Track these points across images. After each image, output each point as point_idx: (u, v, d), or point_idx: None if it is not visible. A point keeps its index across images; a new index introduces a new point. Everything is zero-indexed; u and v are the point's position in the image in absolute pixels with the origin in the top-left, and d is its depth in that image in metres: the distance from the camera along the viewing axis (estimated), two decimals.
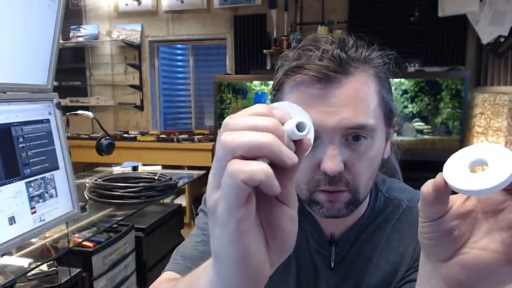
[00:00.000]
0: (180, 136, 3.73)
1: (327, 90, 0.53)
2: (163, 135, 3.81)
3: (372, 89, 0.56)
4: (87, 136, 3.79)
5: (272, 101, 0.63)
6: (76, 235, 1.34)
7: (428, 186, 0.34)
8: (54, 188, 1.12)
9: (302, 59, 0.55)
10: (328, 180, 0.54)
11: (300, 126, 0.30)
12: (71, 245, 1.25)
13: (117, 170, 2.08)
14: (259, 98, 3.27)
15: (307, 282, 0.67)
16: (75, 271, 1.42)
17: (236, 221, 0.28)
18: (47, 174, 1.09)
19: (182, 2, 3.85)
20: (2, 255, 1.08)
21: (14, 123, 1.01)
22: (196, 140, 3.64)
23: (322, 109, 0.53)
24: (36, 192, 1.05)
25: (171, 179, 1.72)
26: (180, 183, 1.90)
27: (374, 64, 0.57)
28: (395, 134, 0.68)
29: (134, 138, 3.81)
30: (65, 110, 1.24)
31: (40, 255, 1.18)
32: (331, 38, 0.57)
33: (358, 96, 0.54)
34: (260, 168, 0.27)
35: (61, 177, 1.15)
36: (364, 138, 0.55)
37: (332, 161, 0.52)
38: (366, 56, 0.56)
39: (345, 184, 0.55)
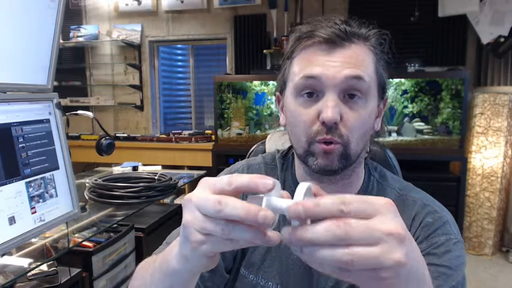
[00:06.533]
0: (179, 136, 3.72)
1: (332, 50, 0.62)
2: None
3: (369, 58, 0.64)
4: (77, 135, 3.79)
5: (283, 70, 0.69)
6: (76, 235, 1.34)
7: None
8: (54, 188, 1.12)
9: (313, 27, 0.64)
10: (326, 130, 0.61)
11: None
12: (71, 245, 1.25)
13: (117, 170, 2.08)
14: (259, 98, 3.27)
15: (300, 270, 0.68)
16: (75, 271, 1.42)
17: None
18: (47, 174, 1.09)
19: (182, 2, 3.85)
20: (2, 255, 1.08)
21: (14, 123, 1.01)
22: (193, 140, 3.63)
23: (325, 63, 0.61)
24: (36, 192, 1.05)
25: (171, 179, 1.72)
26: (180, 183, 1.90)
27: (372, 43, 0.65)
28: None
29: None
30: (65, 110, 1.23)
31: (40, 255, 1.18)
32: (339, 16, 0.66)
33: (358, 58, 0.62)
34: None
35: (61, 177, 1.15)
36: (359, 98, 0.62)
37: (331, 111, 0.59)
38: (366, 34, 0.65)
39: (339, 136, 0.61)
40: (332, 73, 0.60)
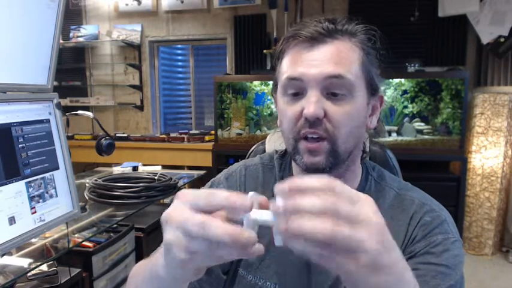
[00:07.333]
0: (178, 137, 3.71)
1: (314, 48, 0.62)
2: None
3: (355, 54, 0.63)
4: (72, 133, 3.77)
5: (275, 70, 0.70)
6: (76, 235, 1.34)
7: None
8: (54, 188, 1.12)
9: (300, 27, 0.65)
10: (309, 125, 0.61)
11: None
12: (71, 245, 1.25)
13: (117, 170, 2.08)
14: (259, 98, 3.27)
15: (298, 270, 0.68)
16: (75, 271, 1.42)
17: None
18: (47, 174, 1.09)
19: (182, 2, 3.85)
20: (2, 255, 1.08)
21: (14, 123, 1.01)
22: (186, 140, 3.63)
23: (307, 62, 0.62)
24: (36, 192, 1.05)
25: (171, 179, 1.72)
26: (180, 183, 1.90)
27: (359, 38, 0.65)
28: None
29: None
30: (65, 110, 1.23)
31: (40, 255, 1.18)
32: (327, 16, 0.67)
33: (340, 55, 0.62)
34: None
35: (61, 177, 1.15)
36: (343, 95, 0.62)
37: (313, 106, 0.60)
38: (350, 29, 0.65)
39: (324, 130, 0.61)
40: (312, 73, 0.61)
